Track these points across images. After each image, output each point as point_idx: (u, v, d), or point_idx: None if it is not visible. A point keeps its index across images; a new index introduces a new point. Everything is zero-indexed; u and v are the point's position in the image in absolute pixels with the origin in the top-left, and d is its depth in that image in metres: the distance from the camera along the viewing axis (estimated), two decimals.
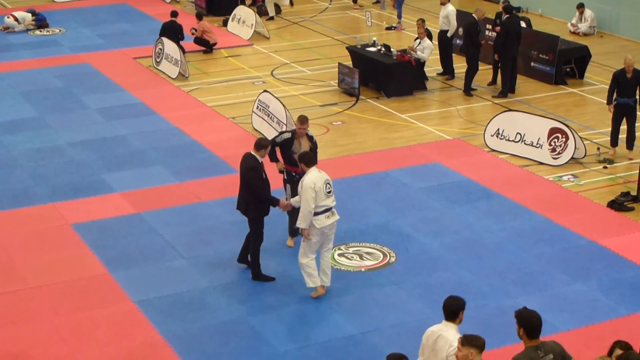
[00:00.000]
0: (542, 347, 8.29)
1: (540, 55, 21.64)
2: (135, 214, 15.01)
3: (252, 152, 12.56)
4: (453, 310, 8.81)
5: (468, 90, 20.79)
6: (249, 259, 12.88)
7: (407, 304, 12.13)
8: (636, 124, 17.05)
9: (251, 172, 12.38)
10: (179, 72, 22.44)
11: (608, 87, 17.10)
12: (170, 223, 14.64)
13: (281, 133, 13.78)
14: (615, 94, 16.78)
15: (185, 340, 11.41)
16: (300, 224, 11.90)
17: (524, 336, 8.28)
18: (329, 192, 12.04)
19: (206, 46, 24.60)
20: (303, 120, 13.35)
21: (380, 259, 13.38)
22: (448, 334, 8.75)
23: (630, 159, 16.78)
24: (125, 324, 11.78)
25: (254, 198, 12.48)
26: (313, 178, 11.89)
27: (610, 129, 17.08)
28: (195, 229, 14.42)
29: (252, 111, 19.24)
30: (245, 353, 11.10)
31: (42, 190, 16.02)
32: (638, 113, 17.07)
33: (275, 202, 12.51)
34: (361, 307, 12.11)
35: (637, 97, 16.74)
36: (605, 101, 17.32)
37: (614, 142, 16.95)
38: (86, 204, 15.43)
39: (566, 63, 21.82)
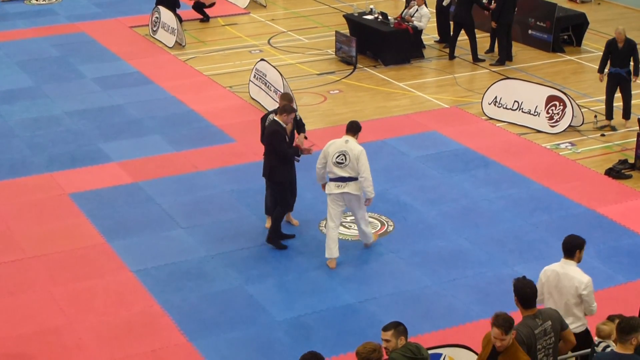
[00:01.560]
0: (540, 315, 8.25)
1: (538, 23, 21.51)
2: (132, 183, 14.96)
3: (275, 118, 12.51)
4: (570, 247, 9.00)
5: (476, 59, 20.68)
6: (271, 224, 12.81)
7: (405, 272, 12.12)
8: (632, 93, 16.94)
9: (274, 135, 12.33)
10: (176, 41, 22.33)
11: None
12: (167, 192, 14.60)
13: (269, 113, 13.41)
14: (609, 64, 16.66)
15: (183, 309, 11.40)
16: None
17: (519, 305, 8.22)
18: (340, 163, 12.10)
19: (203, 14, 24.44)
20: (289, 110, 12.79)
21: (378, 227, 13.35)
22: (571, 271, 8.96)
23: (628, 128, 16.69)
24: (124, 294, 11.77)
25: (281, 162, 12.42)
26: (334, 142, 12.26)
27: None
28: (192, 198, 14.38)
29: (249, 80, 19.16)
30: (243, 322, 11.09)
31: (39, 160, 15.96)
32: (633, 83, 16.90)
33: (296, 150, 12.51)
34: (359, 276, 12.10)
35: (631, 67, 16.55)
36: None
37: (609, 114, 16.84)
38: (83, 173, 15.40)
39: (564, 30, 21.70)
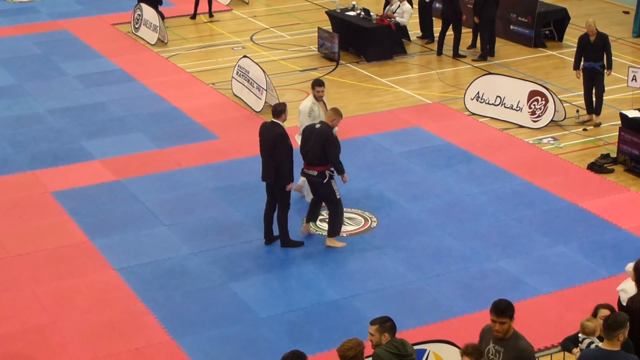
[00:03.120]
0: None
1: (520, 18, 21.51)
2: (115, 181, 14.88)
3: (273, 120, 12.36)
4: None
5: (457, 54, 20.67)
6: (279, 229, 12.67)
7: (389, 268, 12.08)
8: (613, 87, 16.94)
9: (281, 138, 12.15)
10: (158, 38, 22.22)
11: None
12: (150, 190, 14.52)
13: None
14: (583, 59, 16.64)
15: (167, 307, 11.33)
16: None
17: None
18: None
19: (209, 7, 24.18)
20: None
21: (362, 224, 13.31)
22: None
23: (598, 124, 16.63)
24: (107, 292, 11.69)
25: (285, 165, 12.23)
26: (304, 104, 13.28)
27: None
28: (176, 196, 14.31)
29: (232, 77, 19.09)
30: (227, 319, 11.03)
31: (21, 158, 15.84)
32: (607, 77, 16.84)
33: (289, 179, 12.34)
34: (343, 272, 12.06)
35: (605, 61, 16.50)
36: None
37: (589, 108, 16.83)
38: (66, 171, 15.30)
39: (545, 26, 21.70)
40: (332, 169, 12.30)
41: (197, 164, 15.44)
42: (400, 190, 14.33)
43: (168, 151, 16.04)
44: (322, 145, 12.08)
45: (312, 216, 12.90)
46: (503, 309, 7.75)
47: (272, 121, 12.41)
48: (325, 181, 12.19)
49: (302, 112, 13.42)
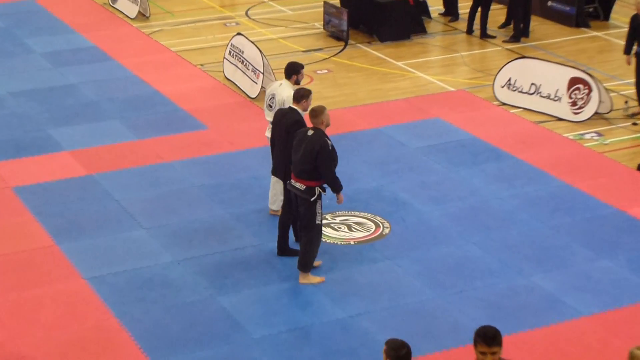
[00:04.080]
0: None
1: None
2: (86, 175, 14.89)
3: (291, 106, 12.43)
4: None
5: (485, 34, 20.65)
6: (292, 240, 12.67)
7: (403, 282, 12.04)
8: None
9: (297, 126, 12.12)
10: (139, 11, 22.23)
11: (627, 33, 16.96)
12: (127, 187, 14.53)
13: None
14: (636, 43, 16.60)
15: (145, 324, 11.29)
16: None
17: None
18: (270, 106, 13.26)
19: None
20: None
21: (372, 230, 13.28)
22: None
23: None
24: (75, 305, 11.67)
25: None
26: (272, 83, 13.70)
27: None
28: (156, 194, 14.31)
29: (224, 57, 19.10)
30: (214, 339, 10.99)
31: None
32: None
33: None
34: (349, 286, 12.01)
35: None
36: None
37: None
38: (30, 164, 15.32)
39: (589, 2, 21.70)
40: (325, 185, 11.97)
41: (181, 158, 15.44)
42: (417, 191, 14.30)
43: (148, 142, 16.05)
44: (315, 157, 11.65)
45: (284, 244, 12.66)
46: (493, 336, 7.57)
47: (289, 107, 12.47)
48: (312, 199, 11.93)
49: (286, 103, 13.02)
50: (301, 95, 12.37)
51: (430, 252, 12.72)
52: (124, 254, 12.74)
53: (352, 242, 12.94)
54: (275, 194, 13.30)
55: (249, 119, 16.78)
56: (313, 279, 12.11)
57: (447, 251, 12.72)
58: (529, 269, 12.26)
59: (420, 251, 12.74)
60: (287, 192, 12.30)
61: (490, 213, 13.67)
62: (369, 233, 13.20)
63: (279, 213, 12.97)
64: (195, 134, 16.33)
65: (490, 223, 13.40)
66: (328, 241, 12.86)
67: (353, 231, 13.19)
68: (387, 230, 13.28)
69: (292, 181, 11.88)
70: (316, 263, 12.27)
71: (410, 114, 17.03)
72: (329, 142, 11.63)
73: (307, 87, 13.97)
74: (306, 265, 12.02)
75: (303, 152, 11.66)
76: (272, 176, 13.11)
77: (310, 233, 11.86)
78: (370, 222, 13.48)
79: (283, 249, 12.63)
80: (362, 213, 13.69)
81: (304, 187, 11.72)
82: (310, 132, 11.73)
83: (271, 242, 12.80)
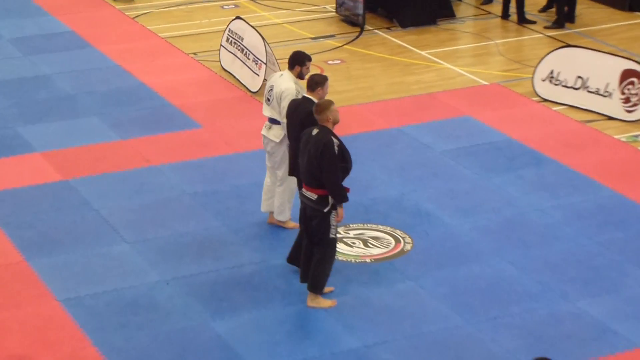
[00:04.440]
0: None
1: None
2: (61, 181, 14.92)
3: (305, 96, 12.44)
4: None
5: (523, 19, 20.64)
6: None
7: (427, 307, 12.03)
8: None
9: (310, 118, 12.04)
10: None
11: None
12: (108, 194, 14.56)
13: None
14: None
15: (127, 353, 11.28)
16: None
17: None
18: (268, 99, 13.26)
19: None
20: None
21: (392, 245, 13.28)
22: None
23: None
24: (47, 330, 11.66)
25: None
26: (273, 74, 13.62)
27: None
28: (142, 203, 14.35)
29: (221, 45, 19.12)
30: None
31: None
32: None
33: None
34: (365, 312, 12.00)
35: None
36: None
37: None
38: None
39: None
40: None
41: (171, 161, 15.47)
42: (443, 201, 14.30)
43: (133, 143, 16.08)
44: (320, 161, 11.60)
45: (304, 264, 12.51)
46: None
47: (303, 97, 12.49)
48: (326, 210, 11.89)
49: (289, 96, 12.94)
50: (316, 83, 12.31)
51: (458, 271, 12.70)
52: (104, 272, 12.73)
53: (368, 260, 12.94)
54: (282, 202, 13.33)
55: (249, 116, 16.78)
56: (323, 302, 12.08)
57: (479, 271, 12.70)
58: (575, 292, 12.23)
59: (447, 271, 12.72)
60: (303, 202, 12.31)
61: (528, 227, 13.66)
62: (387, 249, 13.20)
63: (288, 225, 13.14)
64: (187, 133, 16.35)
65: (528, 239, 13.38)
66: (341, 258, 12.84)
67: (369, 247, 13.19)
68: (408, 246, 13.27)
69: (303, 190, 11.85)
70: (327, 289, 12.23)
71: (436, 111, 17.05)
72: (335, 140, 11.54)
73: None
74: (317, 286, 11.98)
75: (309, 155, 11.63)
76: (269, 180, 13.38)
77: (324, 249, 11.85)
78: (389, 237, 13.48)
79: (294, 257, 12.59)
80: (379, 226, 13.70)
81: (316, 197, 11.69)
82: (315, 131, 11.69)
83: (274, 259, 12.82)
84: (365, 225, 13.75)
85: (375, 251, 13.14)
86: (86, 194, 14.57)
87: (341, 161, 11.62)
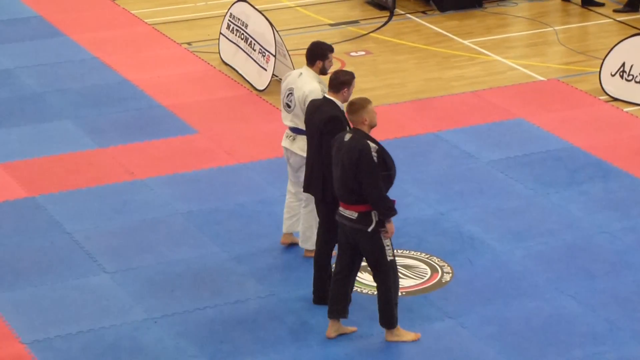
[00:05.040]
0: None
1: None
2: (26, 198, 14.98)
3: (326, 96, 12.47)
4: None
5: (588, 1, 20.66)
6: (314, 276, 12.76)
7: (471, 350, 12.05)
8: None
9: (330, 125, 12.19)
10: None
11: None
12: (84, 214, 14.62)
13: None
14: None
15: None
16: None
17: None
18: (287, 105, 13.21)
19: None
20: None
21: (427, 276, 13.34)
22: None
23: None
24: None
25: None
26: (290, 74, 13.42)
27: None
28: (124, 225, 14.40)
29: (220, 33, 19.17)
30: None
31: None
32: None
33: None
34: (395, 354, 12.03)
35: None
36: None
37: None
38: None
39: None
40: None
41: (160, 174, 15.54)
42: (490, 222, 14.35)
43: (114, 152, 16.15)
44: (355, 171, 11.61)
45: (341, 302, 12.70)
46: None
47: (324, 97, 12.49)
48: (370, 229, 12.01)
49: (307, 100, 12.91)
50: (341, 82, 12.34)
51: (508, 307, 12.72)
52: (79, 309, 12.75)
53: (400, 293, 12.96)
54: (308, 226, 13.36)
55: (254, 120, 16.81)
56: (405, 335, 12.14)
57: (533, 307, 12.71)
58: None
59: (495, 306, 12.74)
60: (326, 219, 12.43)
61: (594, 253, 13.68)
62: (422, 280, 13.26)
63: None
64: (179, 140, 16.43)
65: (594, 268, 13.40)
66: (365, 291, 12.89)
67: (401, 278, 13.18)
68: (448, 277, 13.31)
69: (341, 209, 11.83)
70: (349, 329, 12.27)
71: (482, 113, 17.10)
72: (372, 145, 11.54)
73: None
74: (391, 321, 12.00)
75: (342, 166, 11.63)
76: (291, 197, 13.41)
77: (384, 275, 11.85)
78: (424, 265, 13.54)
79: (320, 296, 12.68)
80: (413, 252, 13.77)
81: (356, 215, 11.69)
82: (347, 136, 11.67)
83: (284, 292, 12.86)
84: (396, 251, 13.66)
85: (408, 282, 13.19)
86: (57, 213, 14.62)
87: (382, 169, 11.59)
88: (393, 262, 11.89)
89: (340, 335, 12.16)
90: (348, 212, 11.68)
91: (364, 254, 11.90)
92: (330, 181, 12.10)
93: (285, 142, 13.30)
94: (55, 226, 14.37)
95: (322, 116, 12.27)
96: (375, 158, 11.46)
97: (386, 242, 11.73)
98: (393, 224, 11.76)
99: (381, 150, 11.55)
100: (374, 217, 11.62)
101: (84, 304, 12.86)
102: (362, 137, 11.53)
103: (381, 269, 11.81)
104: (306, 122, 12.62)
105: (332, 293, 12.11)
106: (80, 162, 15.88)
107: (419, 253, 13.73)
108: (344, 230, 11.85)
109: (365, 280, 13.10)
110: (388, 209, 11.59)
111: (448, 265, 13.51)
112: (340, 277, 12.04)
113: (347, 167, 11.54)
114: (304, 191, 12.88)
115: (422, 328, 12.39)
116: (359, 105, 11.67)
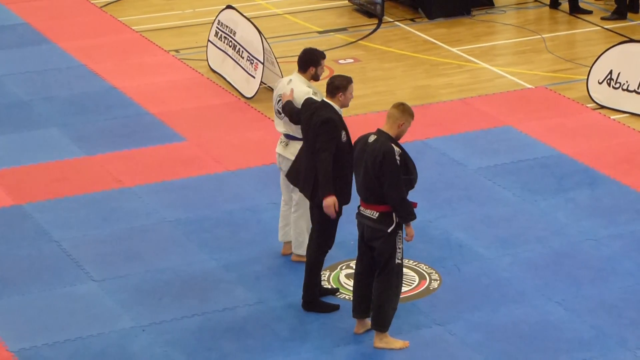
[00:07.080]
0: None
1: None
2: (13, 206, 14.98)
3: (325, 100, 12.54)
4: None
5: (576, 8, 20.70)
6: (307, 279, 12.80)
7: (459, 357, 12.06)
8: None
9: (324, 127, 12.26)
10: None
11: None
12: (71, 222, 14.61)
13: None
14: None
15: None
16: None
17: None
18: (278, 111, 13.31)
19: None
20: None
21: (415, 283, 13.37)
22: None
23: None
24: None
25: (336, 172, 12.36)
26: (280, 81, 13.56)
27: None
28: (112, 233, 14.40)
29: (208, 40, 19.19)
30: None
31: None
32: None
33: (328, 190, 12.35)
34: None
35: None
36: None
37: None
38: None
39: None
40: None
41: (148, 182, 15.54)
42: (478, 229, 14.40)
43: (101, 159, 16.15)
44: (378, 173, 11.74)
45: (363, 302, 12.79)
46: None
47: (322, 101, 12.55)
48: (390, 230, 12.05)
49: (302, 95, 13.08)
50: (335, 87, 12.40)
51: (496, 314, 12.75)
52: (67, 317, 12.73)
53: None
54: (300, 232, 13.43)
55: (242, 128, 16.80)
56: (394, 342, 12.17)
57: (521, 313, 12.74)
58: (635, 339, 12.24)
59: (482, 313, 12.77)
60: (319, 224, 12.49)
61: (581, 260, 13.71)
62: (410, 287, 13.25)
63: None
64: (167, 147, 16.44)
65: (581, 274, 13.43)
66: (346, 298, 12.94)
67: None
68: (435, 284, 13.35)
69: (361, 209, 11.95)
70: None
71: (470, 120, 17.14)
72: (396, 148, 11.66)
73: (326, 81, 13.96)
74: (384, 323, 12.05)
75: (365, 167, 11.76)
76: (285, 206, 13.43)
77: (388, 277, 11.93)
78: (412, 273, 13.56)
79: (309, 302, 12.75)
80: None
81: (377, 215, 11.79)
82: (372, 138, 11.78)
83: (273, 300, 12.87)
84: None
85: None
86: (44, 221, 14.62)
87: (404, 173, 11.74)
88: (400, 265, 11.99)
89: (368, 331, 12.31)
90: (369, 212, 11.83)
91: (375, 252, 12.00)
92: (318, 180, 12.27)
93: (278, 148, 13.40)
94: (43, 234, 14.37)
95: (317, 119, 12.33)
96: (398, 162, 11.62)
97: (399, 245, 11.86)
98: (412, 229, 11.94)
99: (404, 154, 11.72)
100: (395, 219, 11.78)
101: (72, 312, 12.85)
102: (386, 139, 11.69)
103: (387, 270, 11.92)
104: (303, 123, 12.70)
105: (357, 293, 12.23)
106: (67, 170, 15.88)
107: (407, 260, 13.63)
108: (362, 230, 12.00)
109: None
110: (409, 213, 11.77)
111: (436, 273, 13.54)
112: (362, 277, 12.16)
113: (369, 167, 11.69)
114: (300, 190, 12.89)
115: (410, 335, 12.41)
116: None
